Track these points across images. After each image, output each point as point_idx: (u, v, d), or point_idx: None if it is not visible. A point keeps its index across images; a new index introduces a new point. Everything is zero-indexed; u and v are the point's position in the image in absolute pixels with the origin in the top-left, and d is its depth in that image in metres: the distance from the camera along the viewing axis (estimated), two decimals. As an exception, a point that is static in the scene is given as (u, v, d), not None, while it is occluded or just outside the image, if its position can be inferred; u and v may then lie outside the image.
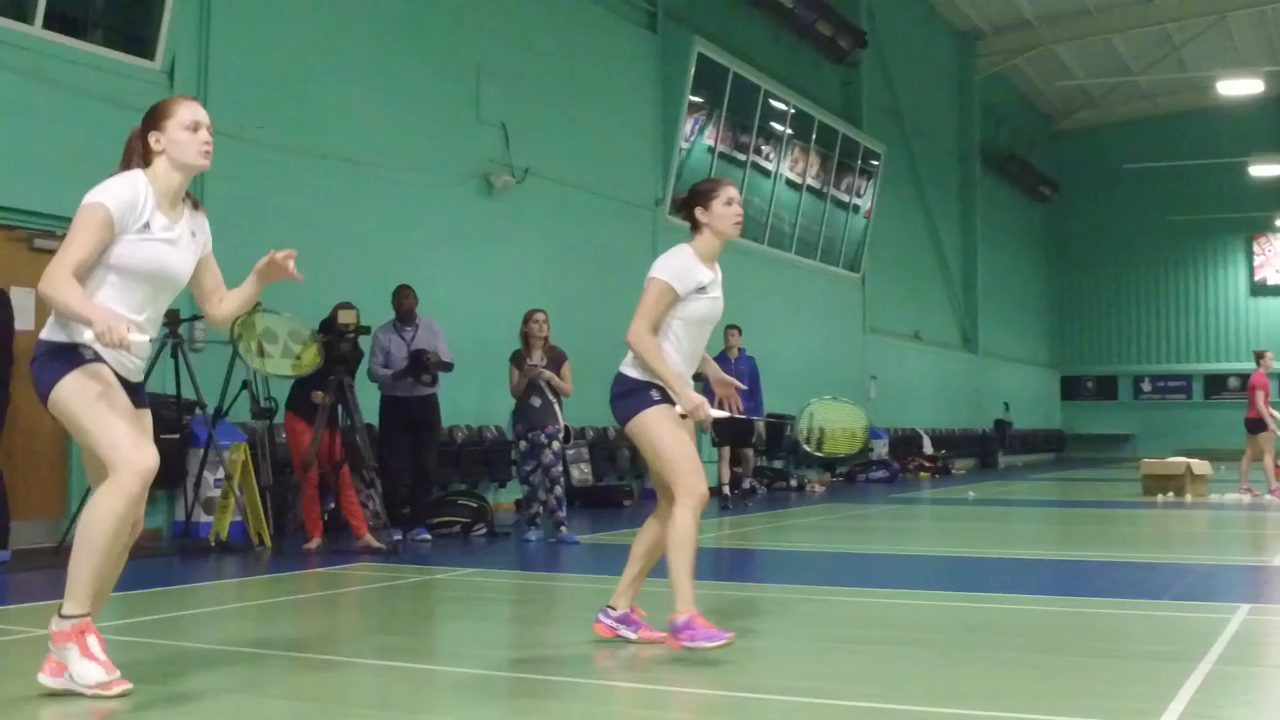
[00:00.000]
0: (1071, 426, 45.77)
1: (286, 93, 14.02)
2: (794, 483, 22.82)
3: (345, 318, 11.41)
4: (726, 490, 16.83)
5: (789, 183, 26.05)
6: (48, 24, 11.45)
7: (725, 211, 6.33)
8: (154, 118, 5.20)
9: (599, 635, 6.51)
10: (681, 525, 6.03)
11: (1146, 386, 45.40)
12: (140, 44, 12.43)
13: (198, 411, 11.58)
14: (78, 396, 4.95)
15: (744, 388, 6.99)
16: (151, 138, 5.16)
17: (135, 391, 5.19)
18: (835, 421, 6.94)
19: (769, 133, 24.93)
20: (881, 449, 27.72)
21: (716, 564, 11.01)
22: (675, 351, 6.23)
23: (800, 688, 5.46)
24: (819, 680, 5.58)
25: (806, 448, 6.97)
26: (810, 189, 26.98)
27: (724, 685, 5.56)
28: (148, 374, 9.87)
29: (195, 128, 5.14)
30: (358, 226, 14.89)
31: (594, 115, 19.53)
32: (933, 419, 32.82)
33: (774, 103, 24.89)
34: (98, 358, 5.00)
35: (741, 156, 23.87)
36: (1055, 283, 46.24)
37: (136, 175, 5.09)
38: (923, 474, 28.29)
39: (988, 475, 30.09)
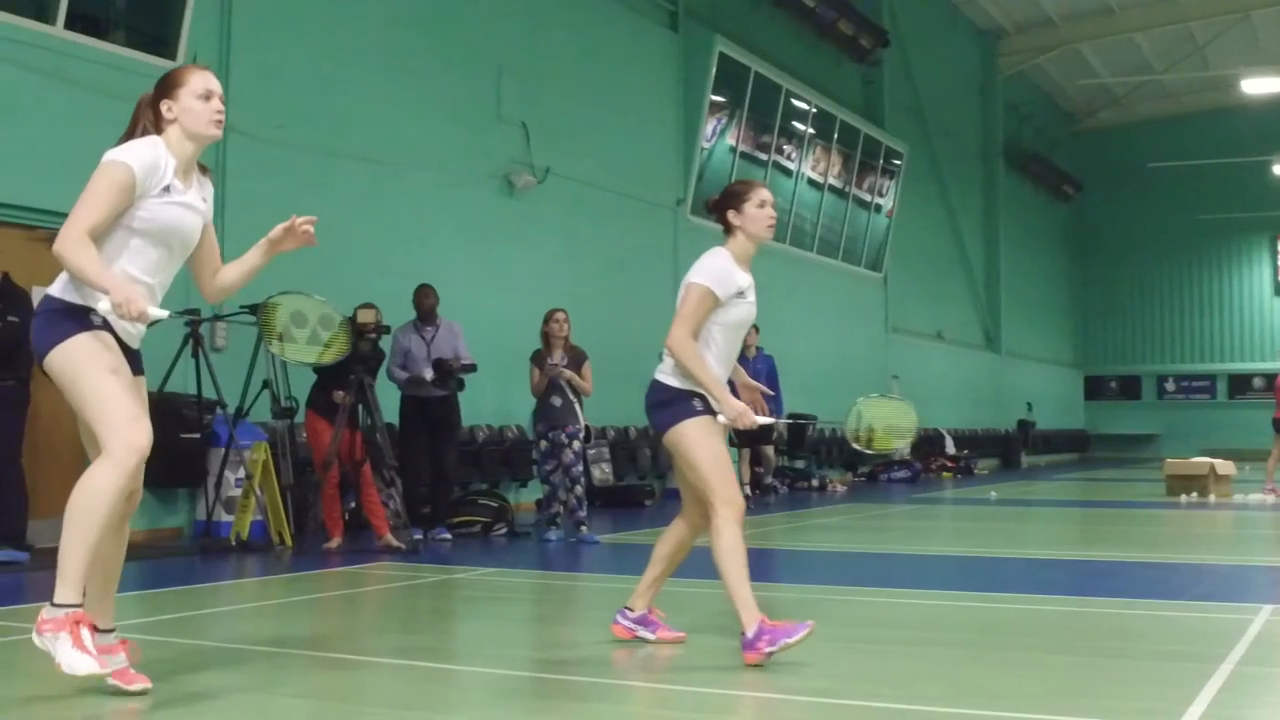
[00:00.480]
0: (1095, 426, 45.61)
1: (307, 92, 14.04)
2: (815, 482, 22.77)
3: (364, 317, 11.42)
4: (747, 490, 16.81)
5: (811, 182, 26.02)
6: (69, 24, 11.50)
7: (758, 214, 6.24)
8: (166, 86, 5.14)
9: (616, 635, 6.49)
10: (730, 538, 5.93)
11: (1170, 386, 45.23)
12: (161, 44, 12.46)
13: (219, 411, 11.60)
14: (81, 361, 4.84)
15: (770, 393, 6.92)
16: (163, 105, 5.11)
17: (133, 358, 5.10)
18: (884, 419, 6.81)
19: (790, 132, 24.90)
20: (903, 449, 27.63)
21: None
22: (713, 358, 6.16)
23: (813, 687, 5.44)
24: (833, 680, 5.56)
25: (856, 446, 6.85)
26: (832, 188, 26.94)
27: (739, 685, 5.54)
28: (169, 372, 9.78)
29: (207, 96, 5.10)
30: (378, 226, 14.90)
31: (615, 115, 19.52)
32: (955, 419, 32.71)
33: (795, 102, 24.86)
34: (106, 325, 4.92)
35: (763, 156, 23.84)
36: (1079, 282, 46.10)
37: (156, 140, 5.05)
38: (945, 474, 28.20)
39: (1010, 475, 29.98)
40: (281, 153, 13.62)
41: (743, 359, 15.79)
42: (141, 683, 5.04)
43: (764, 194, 6.30)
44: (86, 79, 11.56)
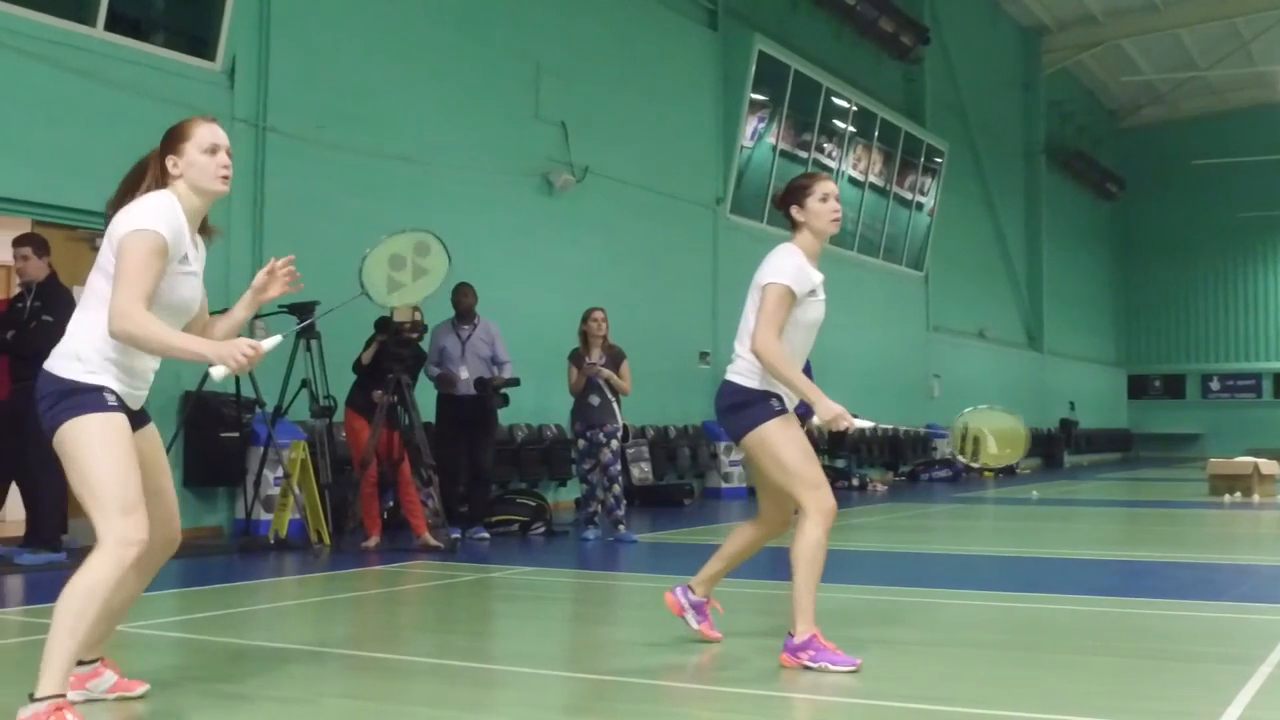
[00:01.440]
0: (1138, 426, 45.30)
1: (346, 92, 14.08)
2: (856, 482, 22.70)
3: (401, 316, 11.43)
4: None
5: (852, 181, 25.94)
6: (109, 26, 11.58)
7: (821, 209, 6.00)
8: (170, 140, 4.82)
9: (667, 606, 6.46)
10: (812, 540, 5.77)
11: (1215, 385, 44.88)
12: (201, 45, 12.53)
13: (258, 410, 11.64)
14: (85, 443, 4.49)
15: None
16: (169, 162, 4.79)
17: (138, 417, 4.77)
18: (991, 425, 6.60)
19: (831, 130, 24.84)
20: (944, 448, 27.53)
21: (773, 564, 10.95)
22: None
23: (845, 687, 5.40)
24: (866, 680, 5.52)
25: (962, 459, 6.68)
26: (873, 187, 26.87)
27: (776, 686, 5.51)
28: (207, 371, 9.76)
29: (214, 150, 4.79)
30: (417, 225, 14.88)
31: (654, 114, 19.51)
32: (997, 418, 32.49)
33: (836, 100, 24.79)
34: (120, 405, 4.57)
35: (803, 154, 23.78)
36: (1122, 280, 45.81)
37: (170, 199, 4.72)
38: (986, 474, 28.04)
39: (1053, 475, 29.84)
40: (321, 153, 13.67)
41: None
42: (142, 686, 5.04)
43: (827, 187, 6.07)
44: (126, 80, 11.62)
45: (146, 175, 4.79)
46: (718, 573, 6.44)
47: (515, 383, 12.68)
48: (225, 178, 4.82)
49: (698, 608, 6.43)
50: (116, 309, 4.45)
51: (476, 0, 16.19)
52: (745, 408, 5.94)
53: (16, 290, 10.65)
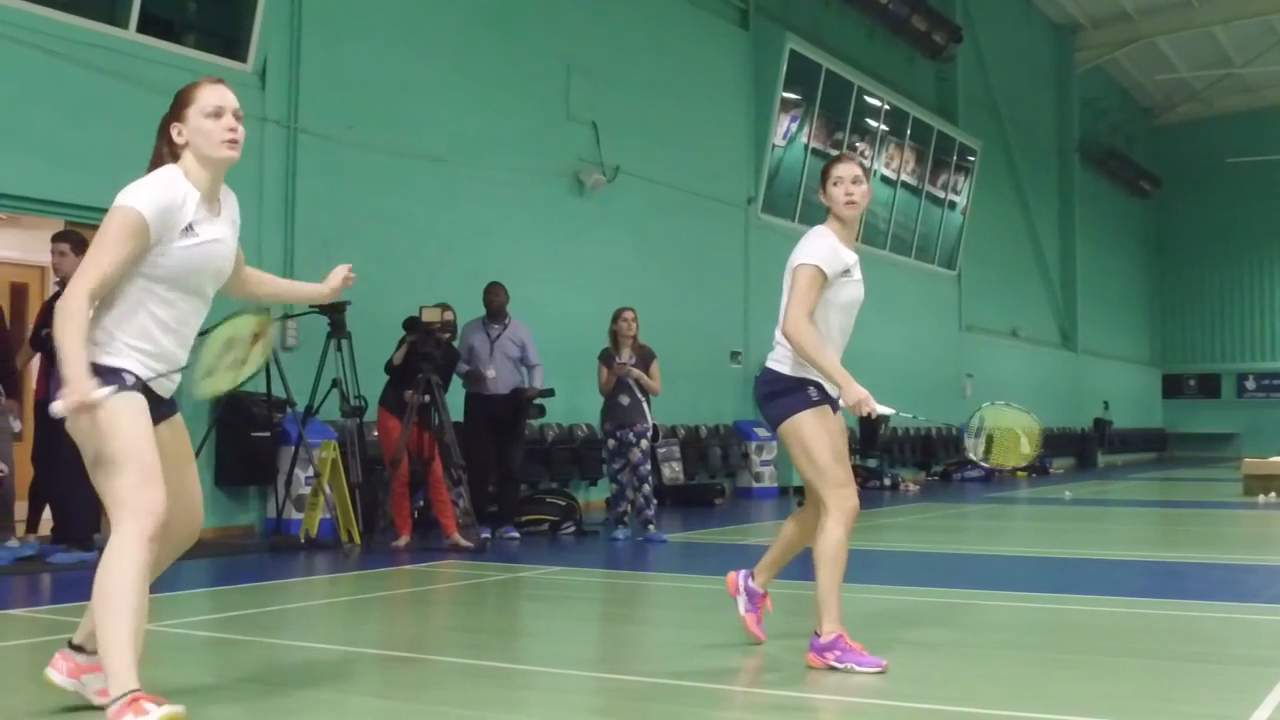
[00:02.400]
0: (1173, 425, 45.03)
1: (377, 92, 14.12)
2: (888, 481, 22.64)
3: (429, 315, 11.46)
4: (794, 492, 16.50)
5: (884, 179, 25.88)
6: (141, 27, 11.65)
7: (835, 192, 6.03)
8: (175, 106, 4.58)
9: (727, 585, 6.45)
10: (834, 539, 5.74)
11: (1250, 384, 44.54)
12: (232, 46, 12.59)
13: (289, 410, 11.68)
14: (102, 422, 4.31)
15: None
16: (173, 130, 4.55)
17: (164, 406, 4.62)
18: (1005, 424, 6.50)
19: (863, 129, 24.78)
20: (969, 444, 27.40)
21: (803, 564, 10.92)
22: (824, 339, 5.88)
23: (871, 688, 5.38)
24: (892, 681, 5.49)
25: (973, 457, 6.61)
26: (905, 185, 26.80)
27: (803, 688, 5.50)
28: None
29: (218, 113, 4.51)
30: (448, 225, 14.96)
31: (685, 113, 19.50)
32: (1030, 417, 32.38)
33: (868, 99, 24.73)
34: (139, 385, 4.43)
35: (835, 153, 23.69)
36: (1156, 279, 45.56)
37: (173, 172, 4.50)
38: (1019, 473, 27.93)
39: (1086, 475, 29.71)
40: (352, 153, 13.70)
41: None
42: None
43: (840, 170, 6.06)
44: (158, 81, 11.63)
45: (160, 147, 4.59)
46: (773, 560, 6.40)
47: (550, 393, 12.75)
48: (232, 142, 4.55)
49: (751, 596, 6.39)
50: (66, 291, 4.32)
51: (508, 1, 16.20)
52: (781, 395, 5.92)
53: (54, 289, 10.75)
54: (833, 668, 5.65)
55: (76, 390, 4.17)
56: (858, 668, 5.61)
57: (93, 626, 4.55)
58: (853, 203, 6.00)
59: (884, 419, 22.78)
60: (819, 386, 5.89)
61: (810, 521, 6.16)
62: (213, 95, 4.54)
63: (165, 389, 4.60)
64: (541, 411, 12.86)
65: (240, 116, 4.59)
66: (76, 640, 4.77)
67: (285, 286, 5.56)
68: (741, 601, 6.38)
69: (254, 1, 12.57)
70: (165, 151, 4.57)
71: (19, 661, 6.09)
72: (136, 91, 11.48)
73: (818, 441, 5.84)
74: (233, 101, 4.57)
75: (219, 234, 4.59)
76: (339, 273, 5.29)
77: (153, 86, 11.59)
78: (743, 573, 6.44)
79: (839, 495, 5.81)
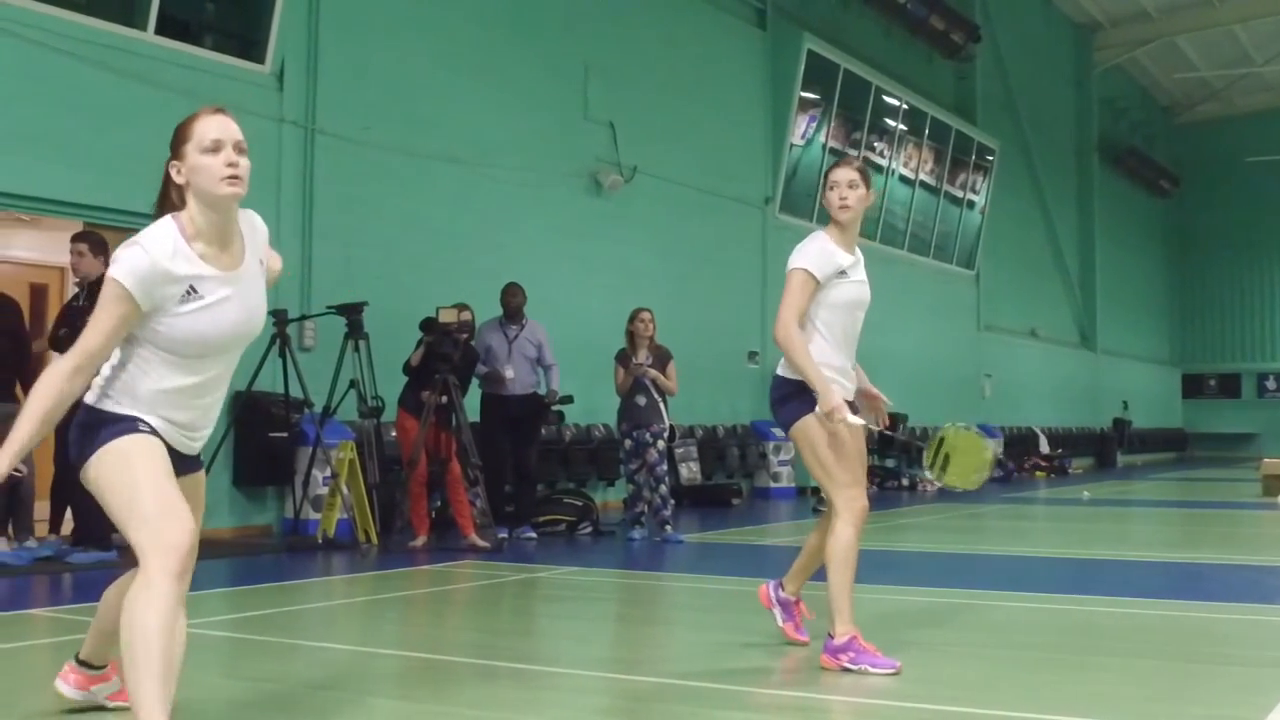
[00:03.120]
0: (1193, 425, 44.87)
1: (394, 94, 14.14)
2: (906, 481, 22.62)
3: (446, 316, 11.49)
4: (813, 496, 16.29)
5: (902, 179, 25.85)
6: (159, 29, 11.69)
7: (829, 196, 6.09)
8: (173, 142, 4.09)
9: (759, 598, 6.48)
10: (843, 541, 5.80)
11: (1271, 384, 44.32)
12: (250, 47, 12.62)
13: (306, 410, 11.71)
14: (111, 465, 4.02)
15: (890, 403, 6.65)
16: (173, 169, 4.08)
17: (189, 460, 4.29)
18: (962, 451, 6.52)
19: (881, 129, 24.75)
20: (996, 448, 27.42)
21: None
22: (827, 342, 5.94)
23: (885, 690, 5.38)
24: (908, 683, 5.48)
25: (929, 474, 6.70)
26: (924, 185, 26.75)
27: (812, 688, 5.50)
28: (256, 371, 9.60)
29: (217, 147, 4.01)
30: (465, 226, 14.98)
31: (703, 113, 19.50)
32: (1049, 417, 32.38)
33: (886, 98, 24.69)
34: (155, 433, 4.08)
35: (853, 152, 23.68)
36: (1176, 278, 45.38)
37: (163, 229, 4.02)
38: (1038, 473, 27.90)
39: (1105, 475, 29.63)
40: (369, 154, 13.73)
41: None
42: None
43: (835, 175, 6.10)
44: (176, 83, 11.71)
45: (166, 190, 4.12)
46: (801, 568, 6.43)
47: (568, 400, 12.79)
48: (233, 179, 4.01)
49: (785, 606, 6.43)
50: (57, 363, 3.99)
51: (525, 1, 16.22)
52: (790, 400, 5.97)
53: (73, 289, 10.81)
54: (846, 669, 5.66)
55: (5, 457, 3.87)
56: (871, 669, 5.61)
57: (98, 642, 4.55)
58: (846, 207, 6.04)
59: (902, 419, 22.77)
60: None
61: (818, 542, 6.23)
62: (210, 127, 4.04)
63: (186, 446, 4.24)
64: (561, 417, 12.88)
65: (243, 149, 4.06)
66: (83, 655, 4.73)
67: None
68: (778, 613, 6.42)
69: (272, 3, 12.61)
70: (172, 195, 4.10)
71: (40, 661, 6.12)
72: (155, 93, 11.52)
73: (823, 443, 5.88)
74: (234, 133, 4.05)
75: (232, 291, 4.09)
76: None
77: (171, 88, 11.66)
78: (772, 584, 6.48)
79: (846, 496, 5.85)
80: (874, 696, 5.30)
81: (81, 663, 4.72)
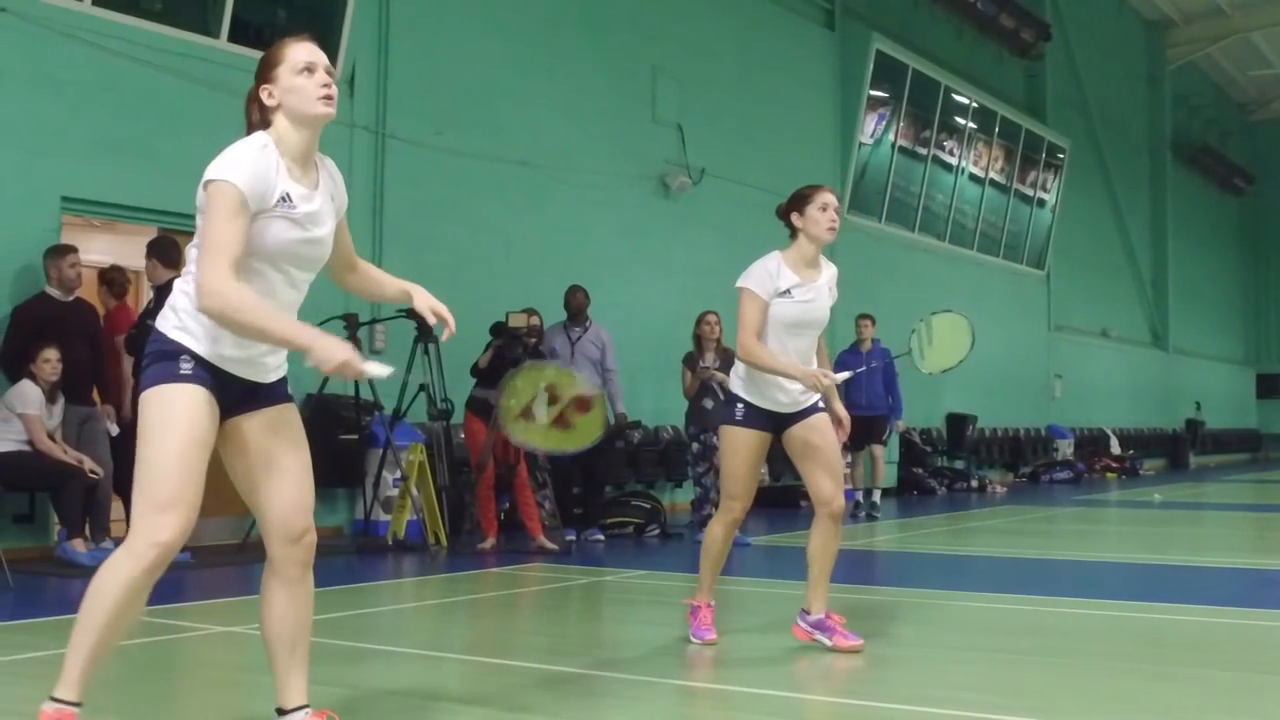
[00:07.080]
0: (1268, 426, 44.30)
1: (464, 98, 14.24)
2: (974, 483, 22.46)
3: (516, 321, 11.56)
4: (859, 497, 16.19)
5: (972, 178, 25.71)
6: (232, 36, 11.83)
7: (819, 217, 6.49)
8: (262, 69, 4.22)
9: (797, 639, 6.52)
10: (709, 534, 6.77)
11: (1348, 384, 43.78)
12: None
13: (376, 413, 11.81)
14: (151, 418, 4.03)
15: (847, 428, 6.83)
16: (263, 92, 4.17)
17: (260, 392, 4.25)
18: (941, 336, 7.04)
19: (951, 128, 24.62)
20: (1066, 449, 27.22)
21: (879, 567, 10.89)
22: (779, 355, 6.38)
23: (937, 697, 5.35)
24: (962, 690, 5.47)
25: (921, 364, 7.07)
26: (994, 184, 26.59)
27: (862, 695, 5.48)
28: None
29: (310, 69, 4.15)
30: (535, 229, 15.06)
31: (771, 115, 19.49)
32: (1120, 418, 32.12)
33: (955, 97, 24.57)
34: (199, 376, 4.04)
35: (923, 151, 23.61)
36: (1251, 277, 44.83)
37: (259, 139, 4.11)
38: (1109, 475, 27.67)
39: (1177, 476, 29.33)
40: (440, 158, 13.83)
41: (856, 352, 15.46)
42: None
43: (827, 198, 6.56)
44: (249, 89, 11.83)
45: (249, 119, 4.23)
46: (813, 583, 6.52)
47: (637, 425, 12.83)
48: (327, 98, 4.16)
49: (821, 626, 6.47)
50: (203, 285, 3.89)
51: (594, 4, 16.29)
52: (723, 407, 6.90)
53: (148, 295, 11.03)
54: (812, 637, 6.39)
55: (324, 351, 3.92)
56: (694, 636, 6.63)
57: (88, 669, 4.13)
58: (834, 229, 6.53)
59: (972, 420, 22.66)
60: (745, 407, 6.47)
61: (816, 527, 6.55)
62: (303, 52, 4.18)
63: (249, 373, 4.17)
64: (627, 442, 12.97)
65: (333, 74, 4.22)
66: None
67: (381, 285, 4.87)
68: (821, 637, 6.46)
69: (343, 8, 12.73)
70: (256, 120, 4.20)
71: (112, 663, 6.20)
72: (229, 99, 11.59)
73: (726, 452, 6.59)
74: (323, 58, 4.22)
75: (318, 208, 4.19)
76: (431, 302, 4.71)
77: (243, 94, 11.76)
78: (799, 617, 6.59)
79: (728, 502, 6.61)
80: (922, 704, 5.22)
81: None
